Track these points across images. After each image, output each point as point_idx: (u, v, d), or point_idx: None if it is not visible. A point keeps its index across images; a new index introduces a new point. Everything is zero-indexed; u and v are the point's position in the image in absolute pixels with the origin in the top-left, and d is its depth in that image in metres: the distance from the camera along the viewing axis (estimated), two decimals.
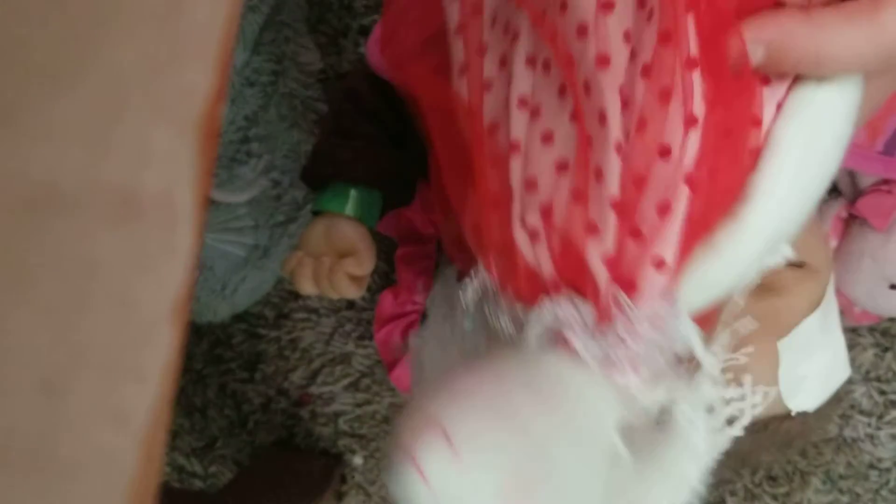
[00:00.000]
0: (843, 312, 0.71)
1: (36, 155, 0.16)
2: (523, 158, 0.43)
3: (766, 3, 0.40)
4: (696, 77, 0.39)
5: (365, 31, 0.77)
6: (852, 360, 0.77)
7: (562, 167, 0.42)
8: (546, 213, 0.42)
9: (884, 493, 0.82)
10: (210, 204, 0.73)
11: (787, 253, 0.45)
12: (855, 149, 0.57)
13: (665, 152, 0.40)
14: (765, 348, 0.53)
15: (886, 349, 0.78)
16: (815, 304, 0.54)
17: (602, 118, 0.40)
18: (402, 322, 0.74)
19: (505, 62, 0.45)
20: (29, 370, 0.16)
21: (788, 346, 0.53)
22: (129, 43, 0.16)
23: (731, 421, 0.49)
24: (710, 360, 0.43)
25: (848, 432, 0.81)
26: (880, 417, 0.80)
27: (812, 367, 0.54)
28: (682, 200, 0.40)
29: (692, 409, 0.44)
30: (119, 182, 0.16)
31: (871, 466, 0.82)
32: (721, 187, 0.41)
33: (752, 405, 0.49)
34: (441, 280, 0.69)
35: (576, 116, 0.42)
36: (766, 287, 0.52)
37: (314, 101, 0.78)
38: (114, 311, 0.16)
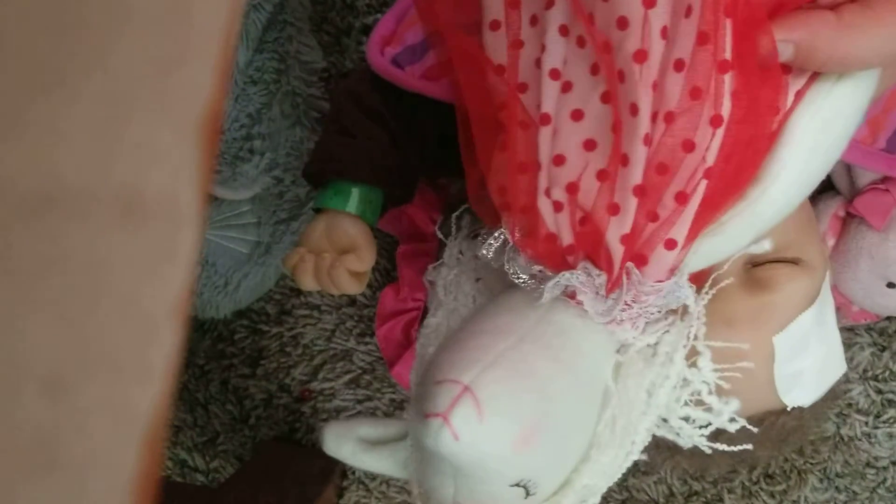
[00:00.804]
0: (841, 311, 0.71)
1: (40, 155, 0.16)
2: (553, 133, 0.45)
3: (797, 3, 0.41)
4: (728, 78, 0.41)
5: (367, 30, 0.77)
6: (850, 360, 0.77)
7: (589, 146, 0.44)
8: (571, 189, 0.45)
9: (881, 491, 0.82)
10: (213, 201, 0.73)
11: (766, 247, 0.49)
12: (856, 145, 0.58)
13: (690, 147, 0.42)
14: (760, 343, 0.53)
15: (884, 348, 0.78)
16: (811, 300, 0.54)
17: (634, 109, 0.42)
18: (403, 319, 0.74)
19: (536, 21, 0.46)
20: (34, 369, 0.16)
21: (784, 342, 0.53)
22: (133, 43, 0.16)
23: (703, 426, 0.53)
24: (700, 310, 0.49)
25: (845, 431, 0.81)
26: (877, 416, 0.80)
27: (808, 362, 0.55)
28: (699, 189, 0.43)
29: (673, 347, 0.49)
30: (124, 182, 0.17)
31: (868, 465, 0.82)
32: (737, 174, 0.43)
33: (725, 419, 0.51)
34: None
35: (609, 99, 0.43)
36: (761, 283, 0.53)
37: (317, 99, 0.78)
38: (119, 310, 0.17)
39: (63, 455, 0.16)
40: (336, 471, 0.86)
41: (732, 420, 0.51)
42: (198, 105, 0.17)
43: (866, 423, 0.81)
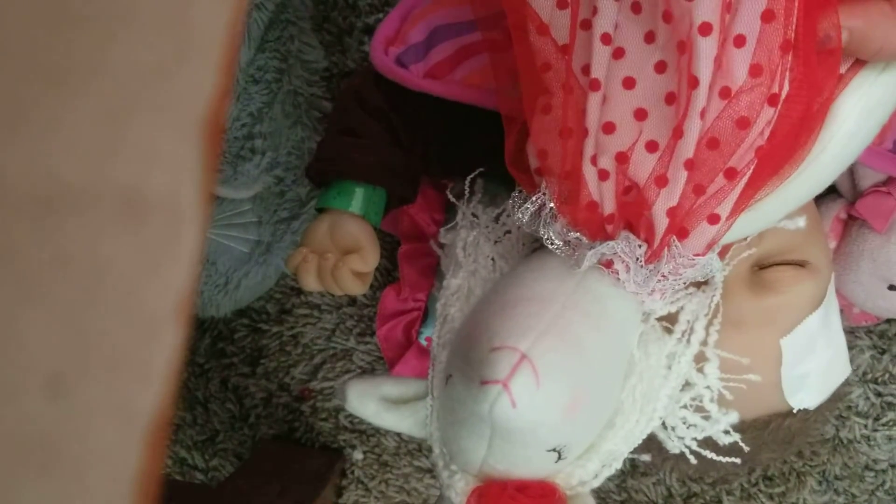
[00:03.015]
0: (842, 313, 0.71)
1: (43, 155, 0.16)
2: (602, 99, 0.44)
3: None
4: (789, 59, 0.41)
5: (369, 30, 0.77)
6: (850, 362, 0.77)
7: (640, 115, 0.44)
8: (621, 159, 0.44)
9: (879, 494, 0.82)
10: (214, 200, 0.73)
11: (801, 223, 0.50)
12: None
13: (744, 124, 0.42)
14: (767, 346, 0.53)
15: (884, 351, 0.78)
16: (817, 303, 0.54)
17: (693, 82, 0.41)
18: (404, 319, 0.74)
19: None
20: (35, 368, 0.16)
21: (790, 344, 0.53)
22: (135, 42, 0.16)
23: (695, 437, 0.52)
24: (720, 282, 0.50)
25: (844, 434, 0.81)
26: (877, 419, 0.80)
27: (814, 364, 0.55)
28: (749, 167, 0.43)
29: (695, 315, 0.50)
30: (126, 181, 0.17)
31: (867, 468, 0.82)
32: (783, 153, 0.44)
33: (721, 429, 0.51)
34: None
35: (664, 69, 0.43)
36: (767, 285, 0.53)
37: (318, 98, 0.78)
38: (120, 309, 0.17)
39: (64, 454, 0.16)
40: (335, 470, 0.86)
41: (727, 432, 0.51)
42: (200, 104, 0.17)
43: (866, 426, 0.81)
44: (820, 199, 0.66)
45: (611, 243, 0.45)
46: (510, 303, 0.47)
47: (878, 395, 0.79)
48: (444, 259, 0.58)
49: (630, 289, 0.47)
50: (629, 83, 0.44)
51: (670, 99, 0.43)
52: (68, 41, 0.16)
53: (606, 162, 0.44)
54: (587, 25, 0.44)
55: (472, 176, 0.56)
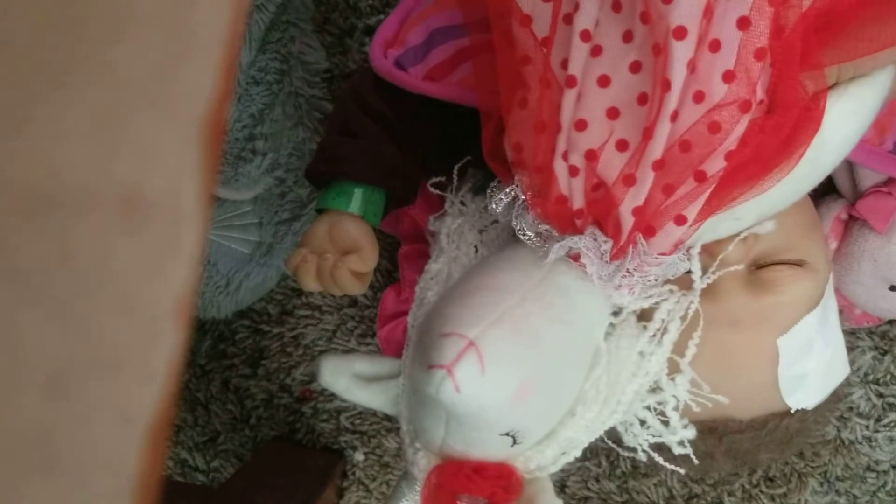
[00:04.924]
0: (843, 314, 0.71)
1: (43, 155, 0.16)
2: (577, 96, 0.45)
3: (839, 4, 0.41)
4: (763, 66, 0.42)
5: (370, 31, 0.77)
6: (851, 363, 0.77)
7: (613, 114, 0.45)
8: (590, 156, 0.45)
9: (881, 495, 0.82)
10: (215, 201, 0.73)
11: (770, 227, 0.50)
12: (863, 145, 0.58)
13: (715, 128, 0.42)
14: (763, 345, 0.53)
15: (885, 352, 0.78)
16: (814, 303, 0.54)
17: (665, 85, 0.42)
18: (405, 319, 0.74)
19: None
20: (36, 369, 0.16)
21: (788, 344, 0.53)
22: (136, 43, 0.16)
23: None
24: (700, 283, 0.50)
25: (846, 434, 0.81)
26: (878, 420, 0.80)
27: (811, 364, 0.55)
28: (717, 170, 0.43)
29: (671, 316, 0.51)
30: (126, 182, 0.17)
31: (869, 469, 0.82)
32: (760, 165, 0.44)
33: (676, 440, 0.52)
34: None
35: (638, 69, 0.43)
36: (765, 284, 0.53)
37: (319, 99, 0.78)
38: (121, 309, 0.17)
39: (65, 454, 0.16)
40: (336, 471, 0.86)
41: (681, 444, 0.52)
42: (200, 105, 0.17)
43: (867, 427, 0.81)
44: (820, 200, 0.66)
45: (577, 238, 0.46)
46: (470, 291, 0.49)
47: (880, 395, 0.79)
48: (431, 245, 0.60)
49: (597, 283, 0.48)
50: (604, 81, 0.44)
51: (643, 100, 0.43)
52: (70, 42, 0.16)
53: (577, 159, 0.45)
54: (569, 20, 0.44)
55: (459, 164, 0.56)
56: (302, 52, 0.76)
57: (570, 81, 0.44)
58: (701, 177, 0.43)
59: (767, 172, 0.44)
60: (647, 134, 0.43)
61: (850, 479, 0.82)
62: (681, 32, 0.41)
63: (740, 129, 0.43)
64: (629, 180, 0.44)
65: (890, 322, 0.77)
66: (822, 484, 0.83)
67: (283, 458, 0.85)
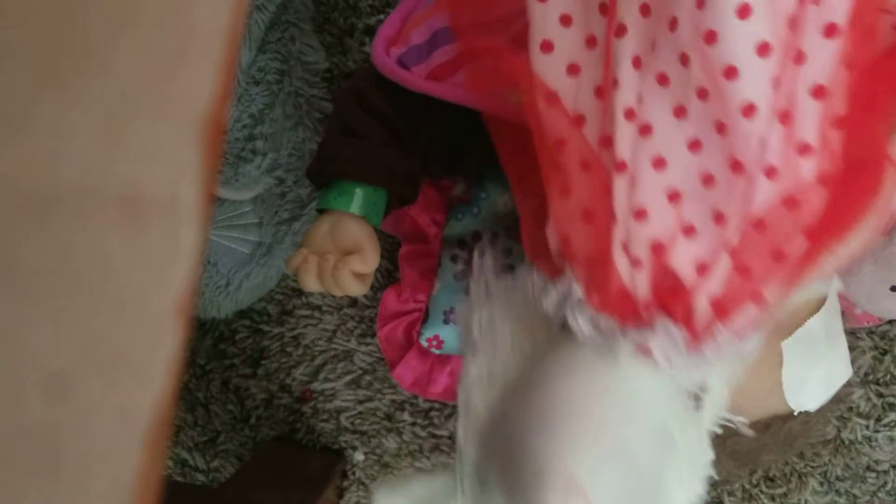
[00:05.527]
0: (844, 314, 0.71)
1: (44, 155, 0.16)
2: (630, 182, 0.41)
3: None
4: (839, 136, 0.39)
5: (370, 31, 0.77)
6: (851, 363, 0.77)
7: (674, 198, 0.41)
8: (656, 249, 0.41)
9: (881, 495, 0.82)
10: (215, 201, 0.73)
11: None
12: None
13: (793, 205, 0.39)
14: (768, 349, 0.53)
15: (885, 352, 0.78)
16: (818, 306, 0.54)
17: (736, 165, 0.38)
18: (405, 320, 0.74)
19: (594, 43, 0.42)
20: (36, 369, 0.16)
21: (792, 347, 0.53)
22: (135, 43, 0.16)
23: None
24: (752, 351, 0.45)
25: (846, 434, 0.81)
26: (878, 420, 0.80)
27: (815, 368, 0.54)
28: (797, 247, 0.40)
29: (721, 383, 0.46)
30: (125, 181, 0.17)
31: (869, 469, 0.82)
32: (835, 232, 0.41)
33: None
34: (445, 282, 0.69)
35: (697, 148, 0.39)
36: None
37: (319, 99, 0.78)
38: (118, 309, 0.17)
39: (65, 454, 0.16)
40: (336, 471, 0.86)
41: None
42: (200, 105, 0.17)
43: (867, 427, 0.80)
44: None
45: (648, 332, 0.42)
46: (546, 413, 0.43)
47: (880, 395, 0.79)
48: (461, 336, 0.52)
49: (669, 375, 0.44)
50: (659, 163, 0.40)
51: (708, 180, 0.40)
52: (70, 42, 0.16)
53: (640, 250, 0.41)
54: (602, 94, 0.41)
55: (480, 243, 0.50)
56: (302, 52, 0.76)
57: (621, 167, 0.40)
58: (780, 256, 0.39)
59: (848, 232, 0.41)
60: (719, 219, 0.39)
61: (850, 479, 0.82)
62: (749, 110, 0.37)
63: (819, 201, 0.39)
64: (703, 269, 0.40)
65: (890, 322, 0.77)
66: (822, 484, 0.83)
67: (283, 458, 0.85)
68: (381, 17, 0.77)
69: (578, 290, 0.43)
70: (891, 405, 0.80)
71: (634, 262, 0.41)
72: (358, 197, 0.57)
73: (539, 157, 0.42)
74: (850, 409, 0.80)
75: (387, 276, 0.82)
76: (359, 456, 0.88)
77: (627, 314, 0.42)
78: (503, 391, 0.47)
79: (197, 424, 0.89)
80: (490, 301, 0.49)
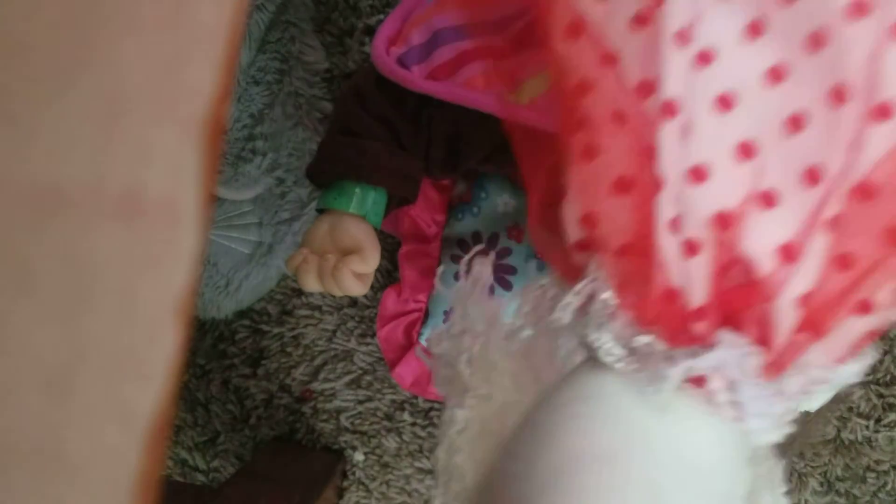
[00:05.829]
0: None
1: (40, 154, 0.16)
2: (683, 129, 0.29)
3: None
4: None
5: (370, 31, 0.77)
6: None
7: (747, 151, 0.29)
8: (720, 224, 0.29)
9: (881, 495, 0.82)
10: (215, 201, 0.73)
11: None
12: None
13: None
14: None
15: (885, 352, 0.78)
16: None
17: (838, 95, 0.27)
18: (405, 320, 0.74)
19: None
20: (33, 368, 0.16)
21: None
22: (134, 43, 0.16)
23: None
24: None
25: (846, 434, 0.81)
26: (878, 420, 0.80)
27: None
28: None
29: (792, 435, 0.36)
30: (123, 181, 0.17)
31: (869, 469, 0.82)
32: None
33: None
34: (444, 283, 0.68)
35: (778, 78, 0.28)
36: None
37: (319, 99, 0.78)
38: (118, 309, 0.17)
39: (64, 454, 0.16)
40: (336, 471, 0.86)
41: None
42: (200, 106, 0.17)
43: (867, 427, 0.80)
44: None
45: (708, 353, 0.29)
46: (559, 471, 0.29)
47: (880, 396, 0.79)
48: (440, 377, 0.39)
49: (734, 416, 0.30)
50: (725, 103, 0.29)
51: (795, 123, 0.29)
52: (66, 40, 0.16)
53: (696, 228, 0.29)
54: (642, 22, 0.30)
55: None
56: (302, 52, 0.76)
57: (669, 109, 0.28)
58: (892, 234, 0.28)
59: None
60: (812, 177, 0.28)
61: (850, 479, 0.82)
62: (859, 7, 0.27)
63: None
64: (789, 255, 0.28)
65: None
66: (822, 484, 0.83)
67: (283, 458, 0.85)
68: (381, 16, 0.77)
69: (607, 294, 0.31)
70: (891, 405, 0.80)
71: (688, 247, 0.29)
72: (358, 197, 0.57)
73: (558, 111, 0.31)
74: (850, 409, 0.80)
75: (387, 276, 0.82)
76: (359, 456, 0.88)
77: (676, 327, 0.30)
78: (499, 443, 0.34)
79: (197, 424, 0.89)
80: (486, 328, 0.37)
